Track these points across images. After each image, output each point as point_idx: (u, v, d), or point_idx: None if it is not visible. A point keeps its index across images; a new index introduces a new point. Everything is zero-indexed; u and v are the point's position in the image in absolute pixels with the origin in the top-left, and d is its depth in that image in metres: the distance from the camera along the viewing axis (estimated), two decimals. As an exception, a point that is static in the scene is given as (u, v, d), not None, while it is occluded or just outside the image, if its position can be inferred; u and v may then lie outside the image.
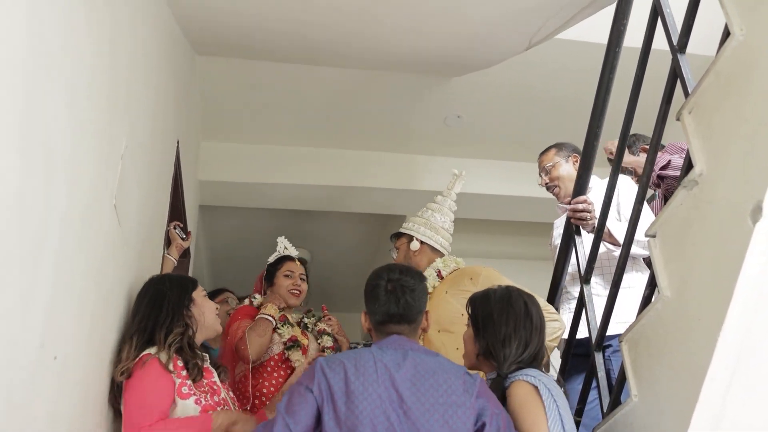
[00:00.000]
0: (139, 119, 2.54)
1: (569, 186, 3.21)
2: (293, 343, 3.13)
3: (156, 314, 2.32)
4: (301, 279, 3.39)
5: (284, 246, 3.52)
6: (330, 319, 3.42)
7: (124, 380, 2.17)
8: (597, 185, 3.24)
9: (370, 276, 2.20)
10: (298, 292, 3.34)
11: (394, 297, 2.09)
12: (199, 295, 2.46)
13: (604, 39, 2.89)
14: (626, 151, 3.31)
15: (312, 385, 1.92)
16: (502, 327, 2.19)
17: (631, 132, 2.88)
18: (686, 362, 1.91)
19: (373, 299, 2.13)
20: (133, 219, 2.47)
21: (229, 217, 6.23)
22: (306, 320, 3.39)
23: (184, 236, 3.39)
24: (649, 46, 2.51)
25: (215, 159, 5.33)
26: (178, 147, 3.69)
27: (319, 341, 3.29)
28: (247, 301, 3.37)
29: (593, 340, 2.64)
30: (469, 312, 2.31)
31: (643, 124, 2.68)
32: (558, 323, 2.71)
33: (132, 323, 2.32)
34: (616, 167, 2.72)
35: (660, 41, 2.40)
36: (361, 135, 5.41)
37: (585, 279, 2.82)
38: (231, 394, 2.43)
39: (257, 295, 3.36)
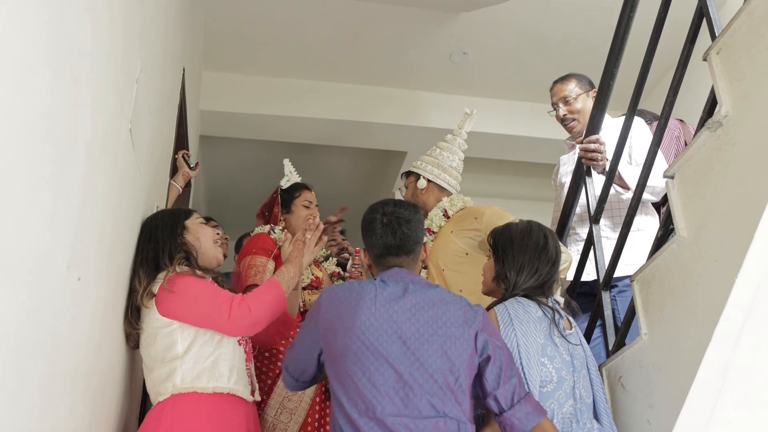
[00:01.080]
0: (152, 43, 2.48)
1: (587, 122, 3.16)
2: (313, 288, 3.11)
3: (154, 245, 2.30)
4: (316, 208, 3.29)
5: (290, 169, 3.40)
6: (359, 264, 3.29)
7: (147, 302, 2.17)
8: (608, 125, 3.19)
9: (366, 212, 2.21)
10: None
11: (390, 229, 2.11)
12: (193, 222, 2.43)
13: (621, -21, 2.82)
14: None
15: (317, 316, 1.99)
16: (520, 255, 2.24)
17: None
18: (701, 302, 1.93)
19: (370, 233, 2.15)
20: (145, 145, 2.44)
21: (229, 149, 6.19)
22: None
23: (192, 166, 3.35)
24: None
25: (217, 89, 5.27)
26: (183, 75, 3.63)
27: (325, 265, 3.23)
28: (264, 229, 3.22)
29: (601, 279, 2.66)
30: (490, 242, 2.34)
31: (666, 65, 2.65)
32: (566, 255, 2.72)
33: (134, 263, 2.30)
34: (632, 109, 2.70)
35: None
36: (364, 69, 5.36)
37: (594, 219, 2.82)
38: None
39: (277, 228, 3.22)
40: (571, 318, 2.31)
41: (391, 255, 2.11)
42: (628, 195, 2.99)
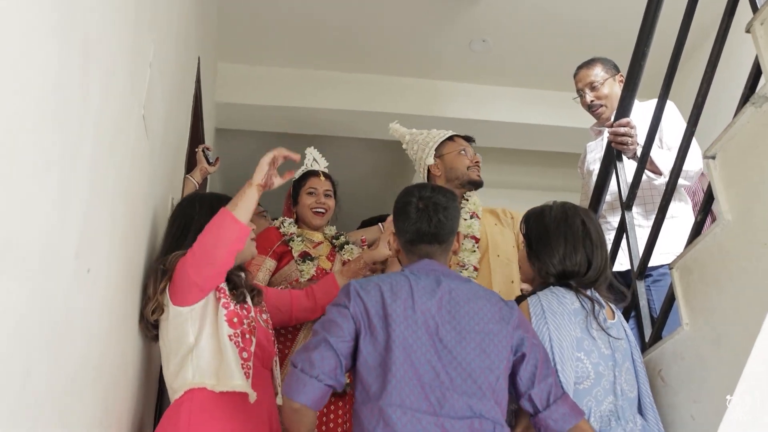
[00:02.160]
0: (165, 28, 2.39)
1: (615, 107, 3.04)
2: (303, 258, 2.96)
3: (182, 242, 2.16)
4: (326, 196, 3.14)
5: (312, 158, 3.26)
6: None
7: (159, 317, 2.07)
8: (636, 109, 3.07)
9: (401, 194, 2.10)
10: (322, 211, 3.10)
11: (425, 215, 2.00)
12: None
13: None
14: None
15: (348, 303, 1.84)
16: (560, 247, 2.10)
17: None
18: (749, 289, 1.81)
19: (403, 217, 2.03)
20: (158, 134, 2.35)
21: (246, 142, 6.09)
22: (335, 241, 3.15)
23: (212, 161, 3.23)
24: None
25: (233, 80, 5.18)
26: (199, 64, 3.55)
27: (341, 253, 3.09)
28: (276, 222, 3.14)
29: (635, 268, 2.55)
30: (523, 231, 2.22)
31: (690, 44, 2.53)
32: None
33: (159, 253, 2.19)
34: (665, 91, 2.57)
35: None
36: (382, 59, 5.25)
37: (627, 205, 2.70)
38: (265, 316, 2.30)
39: (288, 220, 3.12)
40: (613, 306, 2.18)
41: (424, 243, 2.00)
42: (660, 181, 2.87)
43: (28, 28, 1.03)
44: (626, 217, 2.68)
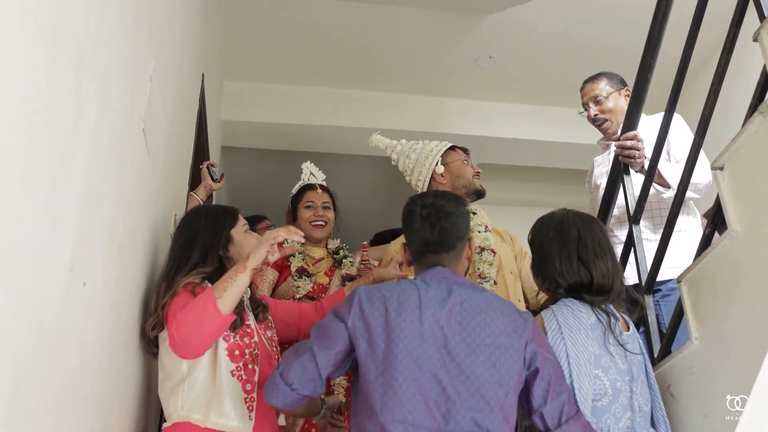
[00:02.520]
0: (167, 42, 2.38)
1: (621, 121, 3.01)
2: (300, 273, 2.93)
3: (187, 258, 2.12)
4: (324, 208, 3.12)
5: (309, 172, 3.25)
6: (368, 261, 3.02)
7: (158, 333, 2.03)
8: (644, 122, 3.04)
9: (406, 203, 2.05)
10: (322, 224, 3.08)
11: (428, 223, 1.94)
12: (238, 232, 2.21)
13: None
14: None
15: (347, 317, 1.79)
16: (554, 260, 2.05)
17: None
18: (759, 300, 1.77)
19: (408, 227, 1.99)
20: (160, 148, 2.34)
21: (253, 160, 6.09)
22: (335, 256, 3.11)
23: (216, 178, 3.21)
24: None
25: (238, 98, 5.18)
26: (203, 81, 3.54)
27: (340, 268, 3.05)
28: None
29: (643, 283, 2.50)
30: (529, 239, 2.18)
31: (698, 59, 2.50)
32: None
33: (163, 269, 2.14)
34: (672, 104, 2.54)
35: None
36: (388, 76, 5.25)
37: (634, 219, 2.66)
38: (270, 333, 2.24)
39: None
40: (627, 317, 2.11)
41: (430, 252, 1.94)
42: (669, 194, 2.83)
43: (8, 27, 1.01)
44: (634, 231, 2.64)
